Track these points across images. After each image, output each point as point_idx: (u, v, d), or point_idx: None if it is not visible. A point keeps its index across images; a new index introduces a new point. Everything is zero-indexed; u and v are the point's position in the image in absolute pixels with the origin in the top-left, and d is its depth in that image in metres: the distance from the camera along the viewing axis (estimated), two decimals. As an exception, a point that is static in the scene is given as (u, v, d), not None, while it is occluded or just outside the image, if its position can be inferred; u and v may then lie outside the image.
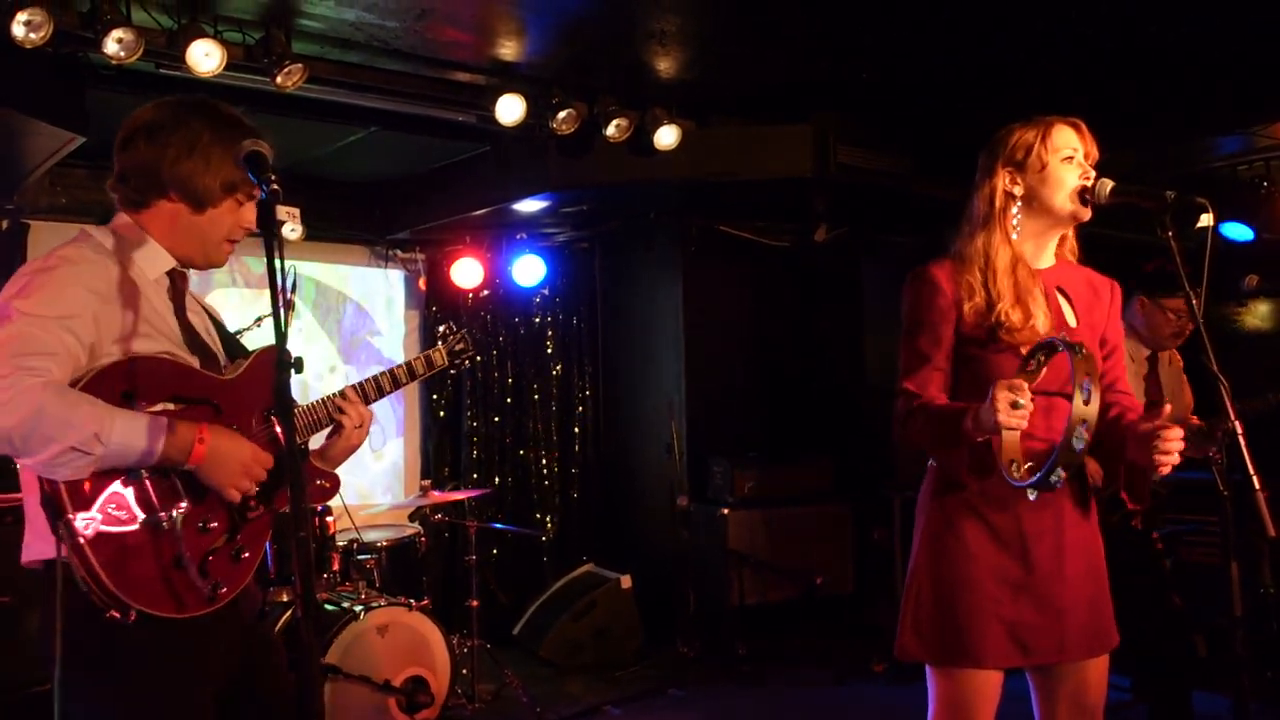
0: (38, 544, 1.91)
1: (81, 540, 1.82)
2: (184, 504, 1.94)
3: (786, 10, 3.98)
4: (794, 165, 5.21)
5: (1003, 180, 2.36)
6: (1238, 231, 5.42)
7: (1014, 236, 2.36)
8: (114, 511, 1.87)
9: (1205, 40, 4.14)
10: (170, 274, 2.09)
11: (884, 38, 4.23)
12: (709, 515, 6.05)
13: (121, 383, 1.90)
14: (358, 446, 2.32)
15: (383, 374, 2.47)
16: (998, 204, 2.36)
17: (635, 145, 4.91)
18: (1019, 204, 2.36)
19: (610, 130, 4.77)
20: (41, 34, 3.45)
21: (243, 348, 2.24)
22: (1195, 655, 4.16)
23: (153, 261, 2.06)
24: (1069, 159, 2.33)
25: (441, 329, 2.84)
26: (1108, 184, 2.31)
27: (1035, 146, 2.34)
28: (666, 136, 4.89)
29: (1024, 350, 2.26)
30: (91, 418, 1.80)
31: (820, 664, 5.62)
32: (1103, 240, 2.62)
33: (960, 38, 4.18)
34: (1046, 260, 2.42)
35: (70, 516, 1.82)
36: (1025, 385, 2.07)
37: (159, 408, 1.94)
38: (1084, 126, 2.37)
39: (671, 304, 6.58)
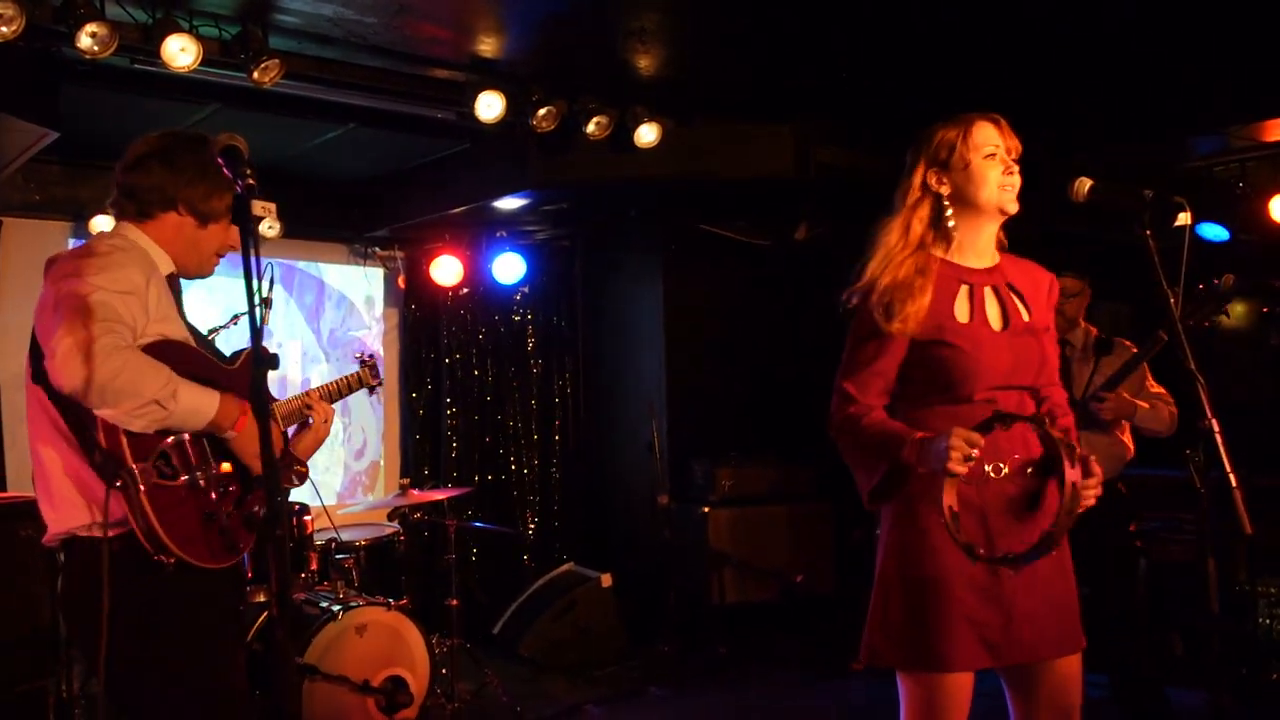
0: (68, 514, 2.17)
1: (142, 487, 2.08)
2: (214, 467, 2.25)
3: (767, 9, 3.98)
4: (774, 164, 5.22)
5: (924, 178, 2.39)
6: (1213, 232, 5.45)
7: (920, 231, 2.38)
8: (164, 466, 2.16)
9: (1181, 41, 4.16)
10: (169, 277, 2.36)
11: (864, 37, 4.24)
12: (690, 514, 6.05)
13: (164, 358, 2.15)
14: (323, 440, 2.65)
15: (330, 385, 3.01)
16: (910, 199, 2.40)
17: (615, 143, 4.89)
18: (948, 202, 2.38)
19: (590, 128, 4.76)
20: (13, 28, 3.40)
21: (217, 350, 2.49)
22: (1171, 652, 4.19)
23: (161, 262, 2.34)
24: (991, 155, 2.34)
25: (358, 355, 3.42)
26: (1086, 183, 2.32)
27: (957, 145, 2.36)
28: (647, 135, 4.88)
29: (963, 343, 2.28)
30: (170, 378, 2.10)
31: (800, 663, 5.63)
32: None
33: (940, 38, 4.18)
34: (989, 258, 2.42)
35: (133, 466, 2.09)
36: (980, 440, 2.10)
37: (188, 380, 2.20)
38: (1004, 122, 2.39)
39: (652, 302, 6.58)
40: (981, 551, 2.18)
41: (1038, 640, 2.28)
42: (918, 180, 2.40)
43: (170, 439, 2.18)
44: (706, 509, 5.99)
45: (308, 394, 2.71)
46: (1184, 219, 2.19)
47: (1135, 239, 2.23)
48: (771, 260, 6.68)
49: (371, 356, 3.40)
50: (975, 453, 2.09)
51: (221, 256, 2.46)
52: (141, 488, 2.09)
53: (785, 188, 5.54)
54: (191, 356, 2.28)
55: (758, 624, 6.00)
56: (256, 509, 2.33)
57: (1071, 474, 2.06)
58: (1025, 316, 2.38)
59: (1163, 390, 4.05)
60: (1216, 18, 3.93)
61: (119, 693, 2.16)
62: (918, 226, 2.40)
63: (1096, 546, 3.57)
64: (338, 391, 3.01)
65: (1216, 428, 2.05)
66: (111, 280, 2.14)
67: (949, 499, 2.16)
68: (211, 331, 2.62)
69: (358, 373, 3.22)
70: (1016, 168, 2.35)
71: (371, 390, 3.30)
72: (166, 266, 2.35)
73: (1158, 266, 2.21)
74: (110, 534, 2.10)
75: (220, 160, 1.91)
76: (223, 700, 2.24)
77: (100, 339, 2.03)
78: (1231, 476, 2.00)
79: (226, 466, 2.30)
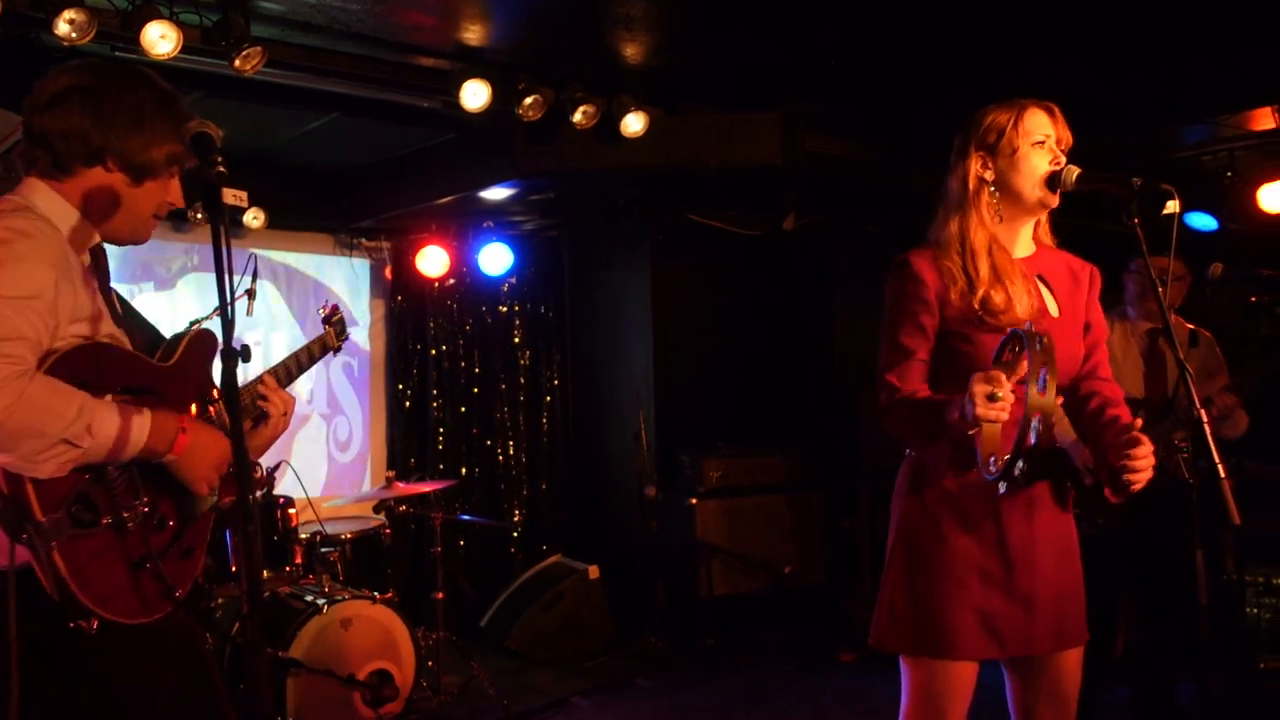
0: None
1: (53, 545, 1.70)
2: (144, 501, 1.86)
3: (754, -4, 3.95)
4: (762, 153, 5.18)
5: (975, 164, 2.34)
6: (1202, 221, 5.45)
7: (988, 219, 2.33)
8: (80, 513, 1.76)
9: (1171, 28, 4.14)
10: (93, 250, 1.95)
11: (852, 24, 4.20)
12: (678, 505, 6.03)
13: (81, 371, 1.77)
14: (281, 434, 2.23)
15: (288, 358, 2.44)
16: (971, 186, 2.34)
17: (603, 132, 4.86)
18: (992, 188, 2.33)
19: (577, 117, 4.72)
20: (-11, 14, 3.35)
21: (144, 322, 2.15)
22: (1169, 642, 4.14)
23: (80, 236, 1.91)
24: (1040, 144, 2.30)
25: (322, 310, 2.83)
26: (1074, 170, 2.30)
27: (1007, 130, 2.31)
28: (634, 123, 4.84)
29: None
30: (82, 408, 1.70)
31: (789, 654, 5.63)
32: (1079, 231, 2.61)
33: (928, 25, 4.16)
34: (1025, 247, 2.39)
35: (41, 520, 1.69)
36: (1002, 377, 2.03)
37: (109, 399, 1.83)
38: (1058, 111, 2.35)
39: (640, 293, 6.54)
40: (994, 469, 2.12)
41: (1044, 632, 2.28)
42: (973, 169, 2.34)
43: (87, 476, 1.78)
44: (694, 500, 5.97)
45: (261, 380, 2.21)
46: (1173, 207, 2.17)
47: (1124, 227, 2.21)
48: (760, 250, 6.65)
49: (336, 308, 2.82)
50: (1001, 391, 2.01)
51: (160, 217, 2.02)
52: (53, 545, 1.70)
53: (773, 176, 5.51)
54: (118, 361, 1.88)
55: (746, 615, 5.99)
56: (191, 541, 1.98)
57: (1037, 398, 1.98)
58: (1054, 311, 2.35)
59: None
60: (1205, 6, 3.91)
61: None
62: (979, 214, 2.33)
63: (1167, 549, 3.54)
64: (298, 365, 2.45)
65: (1205, 418, 2.03)
66: (9, 283, 1.70)
67: (990, 448, 2.09)
68: (194, 324, 2.25)
69: (321, 337, 2.67)
70: (1064, 159, 2.31)
71: (336, 351, 2.76)
72: (89, 239, 1.92)
73: (1146, 255, 2.19)
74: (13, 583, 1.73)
75: (191, 147, 1.75)
76: None
77: None
78: (1220, 467, 1.98)
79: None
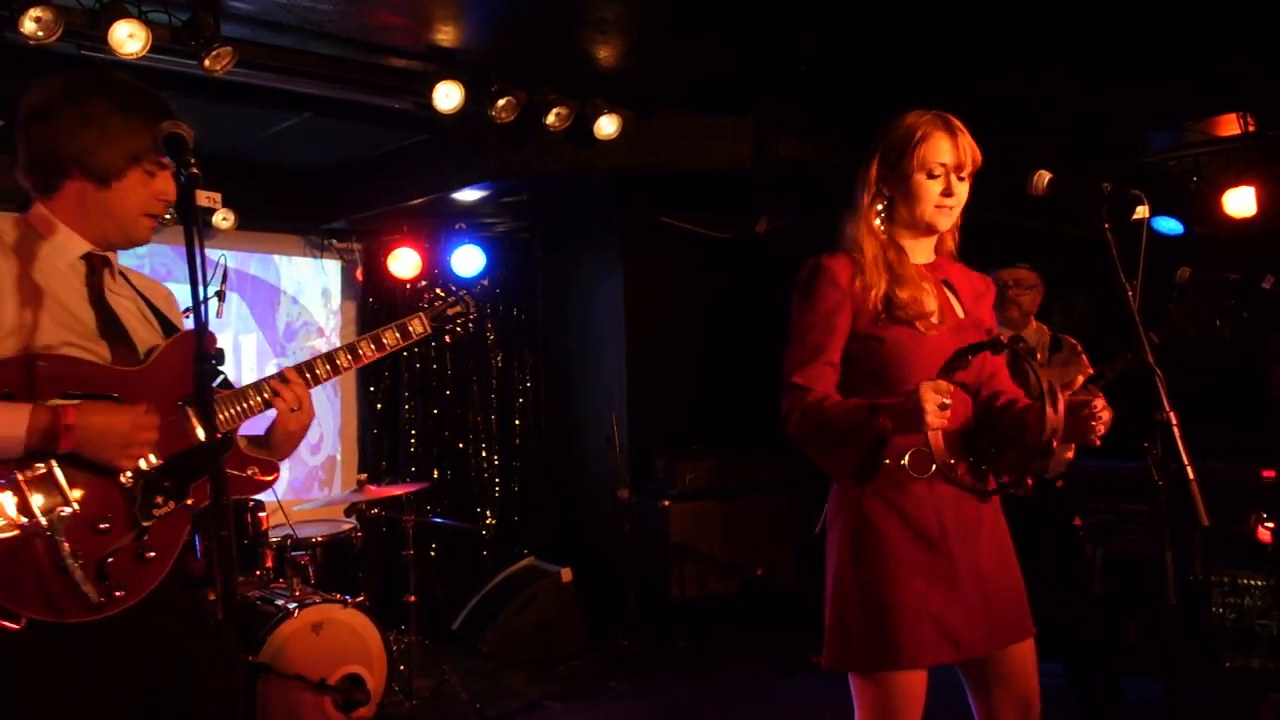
0: None
1: None
2: (68, 506, 1.85)
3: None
4: (734, 156, 5.19)
5: (874, 172, 2.37)
6: (1169, 225, 5.52)
7: (878, 228, 2.36)
8: None
9: (1137, 36, 4.19)
10: (89, 259, 2.00)
11: (828, 29, 4.22)
12: (650, 508, 6.03)
13: (4, 382, 1.83)
14: (299, 432, 2.17)
15: (336, 351, 2.27)
16: (868, 195, 2.38)
17: (575, 135, 4.85)
18: (884, 203, 2.37)
19: (550, 119, 4.71)
20: (-47, 12, 3.30)
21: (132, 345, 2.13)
22: (1126, 642, 4.24)
23: (63, 249, 1.98)
24: (935, 175, 2.31)
25: (440, 294, 2.62)
26: (1046, 175, 2.31)
27: (905, 155, 2.32)
28: (607, 126, 4.84)
29: (920, 325, 2.27)
30: None
31: (761, 656, 5.64)
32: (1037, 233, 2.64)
33: (900, 30, 4.18)
34: (924, 256, 2.42)
35: None
36: (948, 386, 2.07)
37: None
38: (961, 133, 2.33)
39: (613, 295, 6.54)
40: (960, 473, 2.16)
41: (994, 631, 2.29)
42: (873, 175, 2.37)
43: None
44: (667, 502, 5.97)
45: (281, 374, 2.16)
46: (1142, 212, 2.19)
47: (1093, 232, 2.23)
48: (733, 253, 6.67)
49: (458, 299, 2.59)
50: (948, 400, 2.04)
51: (156, 214, 2.04)
52: None
53: (745, 179, 5.53)
54: (63, 370, 1.89)
55: (719, 617, 6.00)
56: (157, 543, 1.95)
57: (1053, 417, 2.03)
58: (960, 313, 2.38)
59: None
60: (1171, 14, 3.96)
61: None
62: (876, 220, 2.38)
63: (1038, 542, 3.61)
64: (352, 357, 2.25)
65: (1174, 420, 2.05)
66: None
67: (940, 455, 2.13)
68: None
69: (405, 322, 2.37)
70: (961, 186, 2.33)
71: (449, 335, 2.51)
72: (77, 249, 1.99)
73: (1116, 259, 2.21)
74: None
75: (163, 148, 1.75)
76: None
77: None
78: (1189, 469, 2.00)
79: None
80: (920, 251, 2.41)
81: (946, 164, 2.31)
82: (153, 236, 2.10)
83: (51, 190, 1.98)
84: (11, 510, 1.81)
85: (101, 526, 1.89)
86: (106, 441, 1.87)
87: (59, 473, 1.86)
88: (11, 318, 1.86)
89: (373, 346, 2.30)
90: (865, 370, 2.31)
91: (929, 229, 2.37)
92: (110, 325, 2.00)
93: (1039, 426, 2.05)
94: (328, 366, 2.23)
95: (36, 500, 1.83)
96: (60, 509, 1.84)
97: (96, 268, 2.02)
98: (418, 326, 2.38)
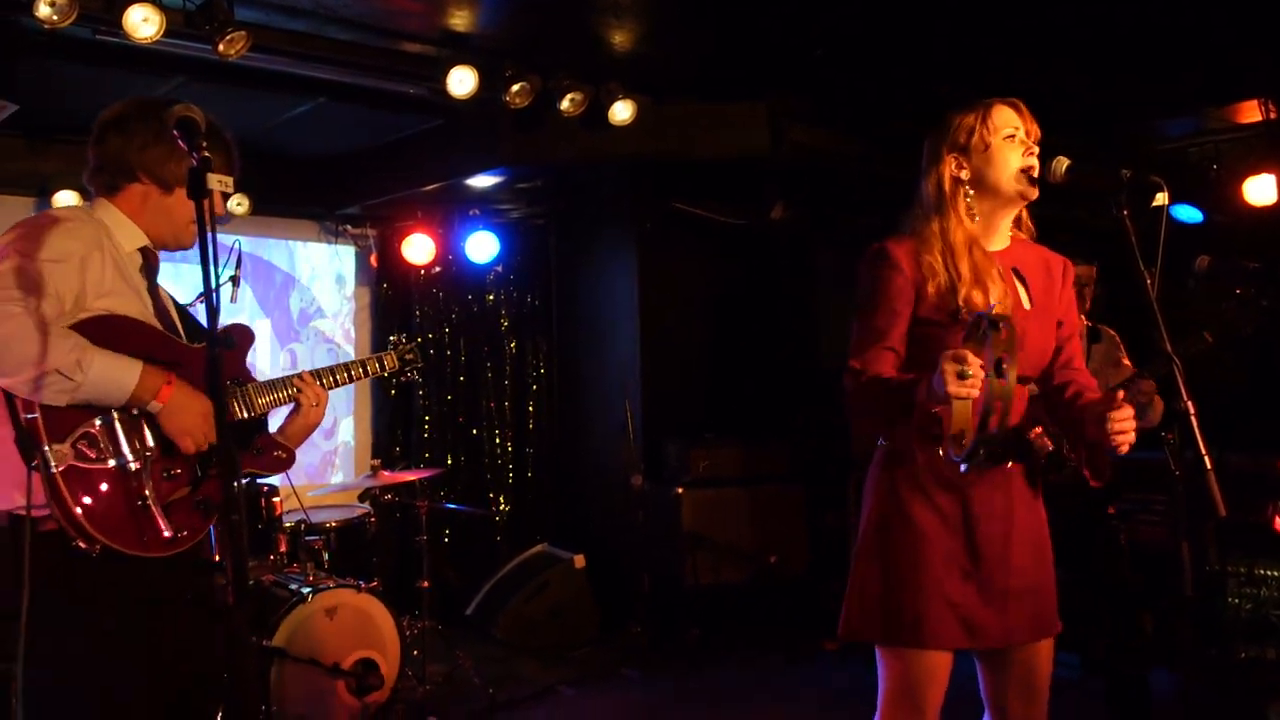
0: (5, 492, 2.06)
1: (55, 470, 2.00)
2: (151, 450, 2.14)
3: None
4: (749, 143, 5.17)
5: (949, 166, 2.37)
6: (1188, 213, 5.46)
7: (966, 218, 2.36)
8: (86, 448, 2.06)
9: (1157, 21, 4.15)
10: (143, 251, 2.31)
11: (840, 18, 4.20)
12: (663, 495, 6.03)
13: (99, 334, 2.09)
14: (315, 425, 2.55)
15: (336, 367, 2.69)
16: (947, 188, 2.37)
17: (590, 120, 4.83)
18: (967, 187, 2.36)
19: (565, 105, 4.70)
20: (-32, -4, 3.31)
21: (199, 327, 2.42)
22: (1143, 633, 4.21)
23: (129, 236, 2.29)
24: (1010, 138, 2.34)
25: (393, 339, 3.06)
26: (1064, 162, 2.31)
27: (977, 128, 2.35)
28: (621, 112, 4.82)
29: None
30: (76, 347, 2.01)
31: (774, 644, 5.64)
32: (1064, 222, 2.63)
33: (916, 20, 4.15)
34: (1000, 241, 2.42)
35: (46, 447, 2.00)
36: (970, 354, 2.04)
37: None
38: (1023, 106, 2.39)
39: (626, 282, 6.53)
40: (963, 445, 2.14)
41: (1015, 624, 2.29)
42: (948, 171, 2.37)
43: (97, 422, 2.09)
44: (680, 490, 5.97)
45: (300, 375, 2.57)
46: (1162, 199, 2.17)
47: (1111, 219, 2.21)
48: (747, 240, 6.64)
49: (413, 347, 3.01)
50: (970, 369, 2.02)
51: None
52: (56, 469, 2.00)
53: (760, 166, 5.50)
54: (143, 335, 2.19)
55: (731, 605, 6.00)
56: (210, 495, 2.23)
57: (997, 387, 2.02)
58: (1026, 304, 2.37)
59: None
60: (1180, 4, 3.92)
61: (27, 690, 2.04)
62: (958, 214, 2.37)
63: (1079, 532, 3.58)
64: (347, 376, 2.68)
65: (1192, 410, 2.03)
66: (38, 247, 2.08)
67: (959, 425, 2.12)
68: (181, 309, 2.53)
69: (380, 356, 2.88)
70: (1036, 150, 2.34)
71: (403, 377, 2.95)
72: (138, 240, 2.30)
73: (1135, 247, 2.19)
74: (39, 514, 2.03)
75: (176, 132, 1.85)
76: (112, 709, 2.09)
77: None
78: (1206, 459, 1.98)
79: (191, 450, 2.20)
80: (999, 234, 2.41)
81: (1019, 127, 2.35)
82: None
83: (116, 190, 2.29)
84: (105, 445, 2.09)
85: (175, 473, 2.19)
86: (185, 416, 2.16)
87: (145, 422, 2.15)
88: (100, 278, 2.14)
89: (360, 371, 2.77)
90: (925, 359, 2.28)
91: (1020, 197, 2.35)
92: (161, 311, 2.32)
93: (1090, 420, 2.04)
94: (330, 378, 2.64)
95: (130, 442, 2.12)
96: (146, 452, 2.14)
97: (149, 261, 2.32)
98: (388, 363, 2.88)
